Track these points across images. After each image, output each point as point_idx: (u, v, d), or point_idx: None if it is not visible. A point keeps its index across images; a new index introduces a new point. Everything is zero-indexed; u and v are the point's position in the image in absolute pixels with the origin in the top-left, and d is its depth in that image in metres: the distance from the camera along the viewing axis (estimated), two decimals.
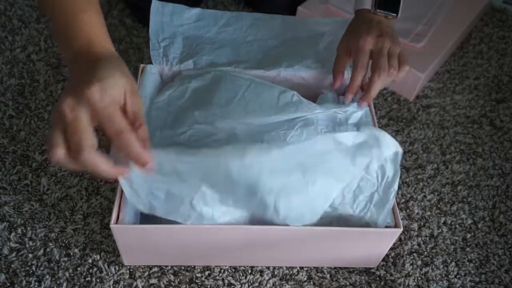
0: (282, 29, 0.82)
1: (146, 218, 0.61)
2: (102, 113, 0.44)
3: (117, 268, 0.66)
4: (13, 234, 0.69)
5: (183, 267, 0.67)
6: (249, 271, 0.68)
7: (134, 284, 0.65)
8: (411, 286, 0.69)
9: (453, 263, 0.72)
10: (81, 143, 0.43)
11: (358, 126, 0.71)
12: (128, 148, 0.45)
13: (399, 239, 0.74)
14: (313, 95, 0.75)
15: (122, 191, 0.60)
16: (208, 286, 0.66)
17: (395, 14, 0.71)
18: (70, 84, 0.47)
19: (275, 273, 0.68)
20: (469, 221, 0.77)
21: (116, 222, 0.58)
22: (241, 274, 0.67)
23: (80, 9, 0.51)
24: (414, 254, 0.72)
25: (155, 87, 0.74)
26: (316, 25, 0.82)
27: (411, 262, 0.71)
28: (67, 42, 0.51)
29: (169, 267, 0.67)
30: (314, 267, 0.69)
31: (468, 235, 0.75)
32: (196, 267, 0.67)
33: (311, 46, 0.80)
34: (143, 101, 0.70)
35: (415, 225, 0.75)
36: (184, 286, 0.65)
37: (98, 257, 0.67)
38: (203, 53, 0.76)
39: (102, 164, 0.45)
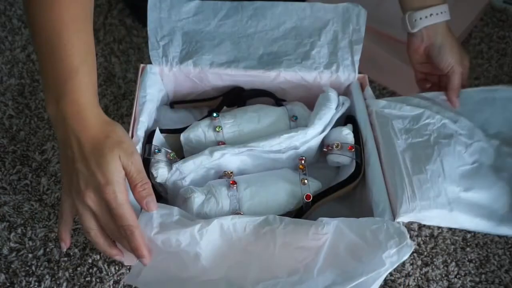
0: (283, 18, 0.80)
1: None
2: (116, 210, 0.51)
3: (117, 268, 0.66)
4: (13, 234, 0.68)
5: None
6: None
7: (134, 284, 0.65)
8: (411, 286, 0.69)
9: (453, 263, 0.72)
10: (128, 223, 0.51)
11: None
12: (132, 243, 0.52)
13: None
14: (313, 95, 0.75)
15: None
16: None
17: None
18: (76, 171, 0.51)
19: None
20: None
21: None
22: None
23: (74, 69, 0.52)
24: (414, 254, 0.72)
25: (155, 87, 0.74)
26: (320, 12, 0.80)
27: (411, 262, 0.71)
28: (53, 96, 0.52)
29: None
30: None
31: (468, 235, 0.75)
32: None
33: (313, 41, 0.78)
34: (143, 101, 0.70)
35: (415, 225, 0.75)
36: None
37: (98, 257, 0.67)
38: (203, 51, 0.76)
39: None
